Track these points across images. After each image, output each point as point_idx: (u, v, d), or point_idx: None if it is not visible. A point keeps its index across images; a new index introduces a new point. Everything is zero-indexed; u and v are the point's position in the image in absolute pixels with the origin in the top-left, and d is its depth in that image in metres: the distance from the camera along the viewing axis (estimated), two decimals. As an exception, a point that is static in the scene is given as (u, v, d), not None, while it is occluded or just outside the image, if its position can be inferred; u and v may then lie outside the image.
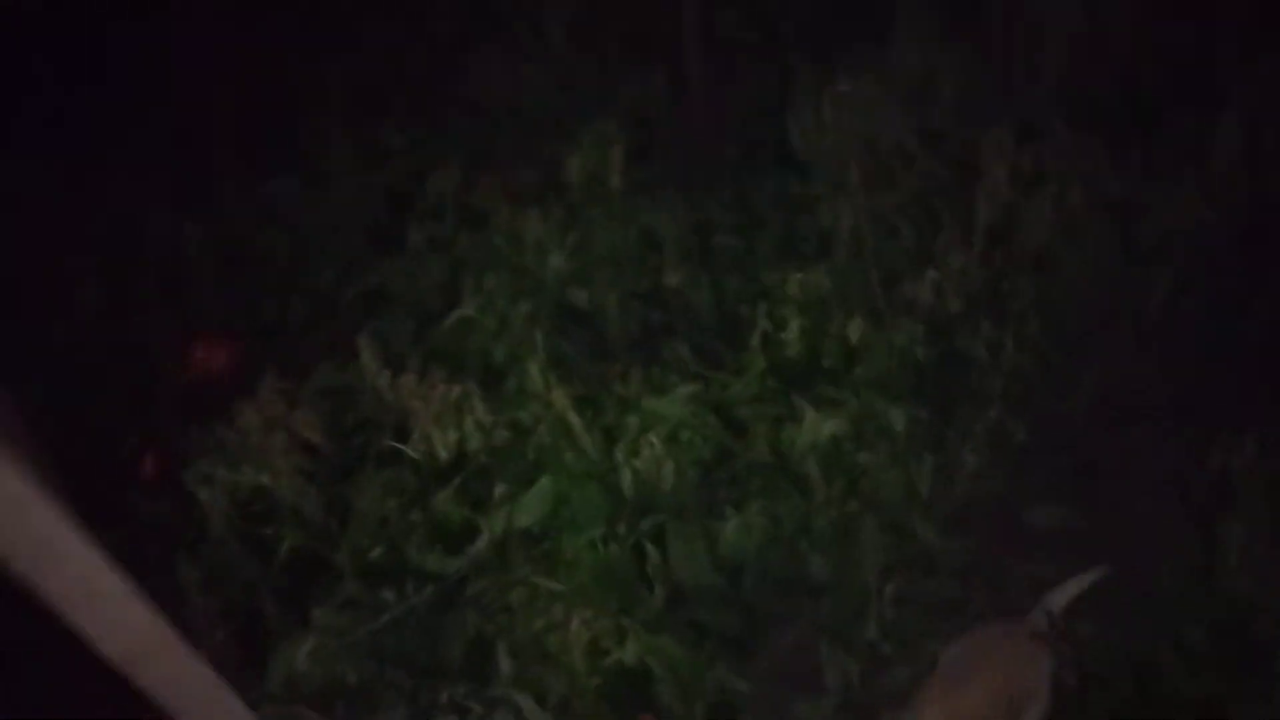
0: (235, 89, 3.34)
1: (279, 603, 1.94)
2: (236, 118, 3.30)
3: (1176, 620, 1.91)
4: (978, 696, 1.81)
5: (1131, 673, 1.93)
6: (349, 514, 1.95)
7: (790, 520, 2.11)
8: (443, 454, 1.89)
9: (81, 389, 2.80)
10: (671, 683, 1.82)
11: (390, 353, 2.34)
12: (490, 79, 3.43)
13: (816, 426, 2.07)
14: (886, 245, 2.25)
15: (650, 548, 1.97)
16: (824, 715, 2.12)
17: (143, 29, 3.29)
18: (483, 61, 3.47)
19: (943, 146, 2.47)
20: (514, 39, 3.55)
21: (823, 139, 2.53)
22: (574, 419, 1.97)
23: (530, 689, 1.81)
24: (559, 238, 2.42)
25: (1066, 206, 2.23)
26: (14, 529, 0.82)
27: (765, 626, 2.15)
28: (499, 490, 2.03)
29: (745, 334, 2.38)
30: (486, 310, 2.28)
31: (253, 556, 1.92)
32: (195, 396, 2.72)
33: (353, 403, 2.25)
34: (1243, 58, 2.51)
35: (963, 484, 2.17)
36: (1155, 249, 2.33)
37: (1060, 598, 2.01)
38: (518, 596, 1.94)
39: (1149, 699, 1.89)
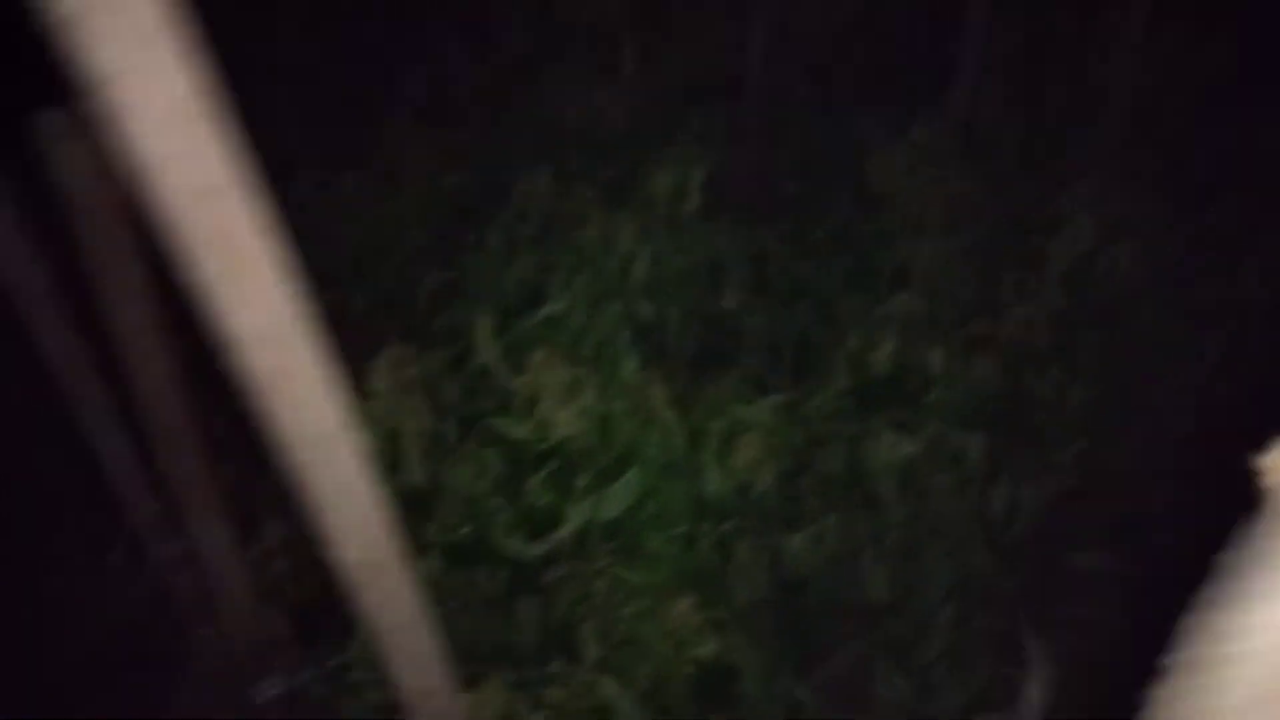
0: (316, 88, 3.43)
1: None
2: (314, 115, 3.37)
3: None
4: None
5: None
6: (440, 493, 1.98)
7: (860, 536, 2.17)
8: (559, 433, 1.93)
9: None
10: (754, 681, 1.85)
11: (466, 344, 2.39)
12: (561, 99, 3.54)
13: (894, 447, 2.14)
14: (962, 283, 2.35)
15: (736, 549, 2.01)
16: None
17: (241, 25, 3.37)
18: (554, 82, 3.59)
19: (1010, 197, 2.59)
20: (585, 63, 3.67)
21: (900, 181, 2.65)
22: (670, 416, 2.02)
23: (617, 674, 1.83)
24: (645, 249, 2.50)
25: (1134, 265, 2.34)
26: (308, 417, 0.87)
27: (826, 639, 2.20)
28: (584, 481, 2.07)
29: (807, 356, 2.46)
30: (573, 310, 2.34)
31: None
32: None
33: (434, 386, 2.29)
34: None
35: (1022, 519, 2.25)
36: (1211, 313, 2.46)
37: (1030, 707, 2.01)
38: (600, 586, 1.97)
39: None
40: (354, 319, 3.04)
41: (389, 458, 1.89)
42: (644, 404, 2.08)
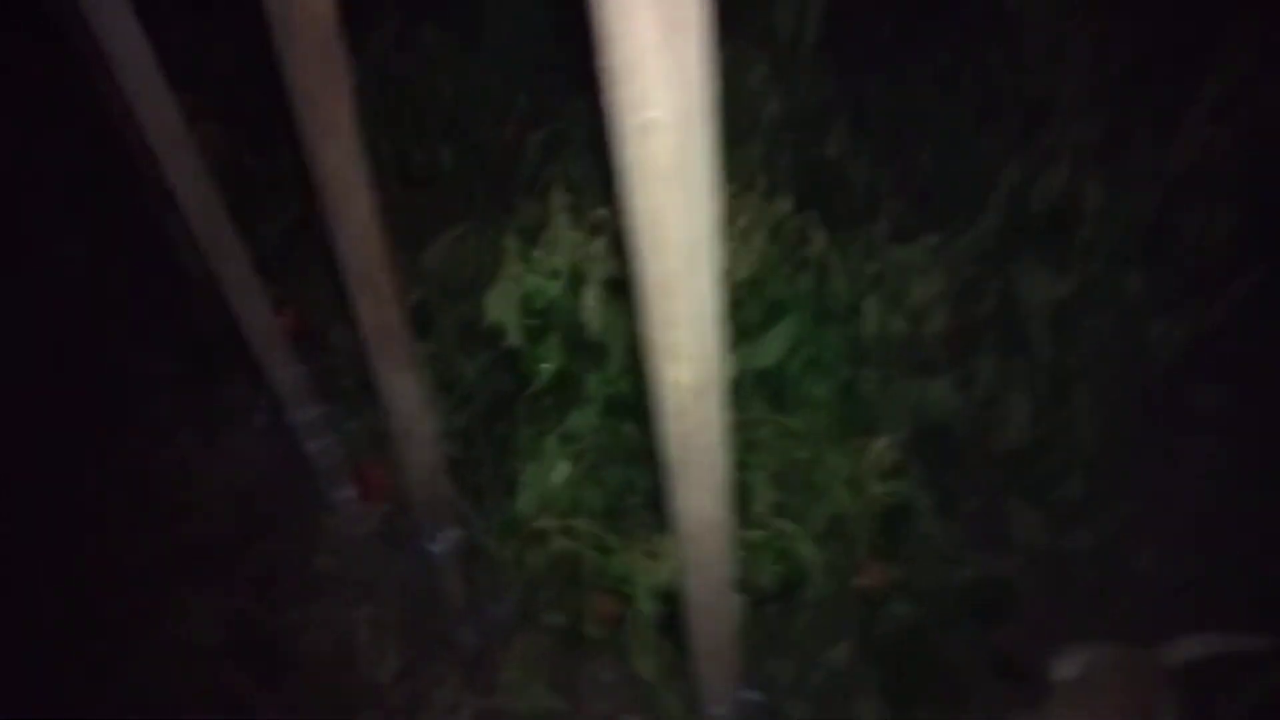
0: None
1: (530, 424, 1.95)
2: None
3: None
4: None
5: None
6: (605, 344, 1.93)
7: (1010, 378, 2.15)
8: (744, 273, 1.88)
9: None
10: (926, 522, 1.87)
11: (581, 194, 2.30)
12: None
13: (1048, 286, 2.09)
14: (1112, 115, 2.25)
15: (895, 392, 2.00)
16: (1013, 570, 2.20)
17: None
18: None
19: (1153, 31, 2.44)
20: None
21: (1028, 10, 2.49)
22: (827, 259, 1.97)
23: (793, 516, 1.85)
24: (773, 89, 2.38)
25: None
26: (688, 219, 0.82)
27: (974, 481, 2.21)
28: (737, 326, 2.02)
29: (950, 196, 2.37)
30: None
31: (512, 373, 1.92)
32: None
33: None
34: None
35: (1169, 356, 2.22)
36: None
37: (1199, 648, 1.89)
38: (764, 434, 1.96)
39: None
40: (447, 173, 2.95)
41: (566, 308, 1.84)
42: (799, 247, 2.02)
